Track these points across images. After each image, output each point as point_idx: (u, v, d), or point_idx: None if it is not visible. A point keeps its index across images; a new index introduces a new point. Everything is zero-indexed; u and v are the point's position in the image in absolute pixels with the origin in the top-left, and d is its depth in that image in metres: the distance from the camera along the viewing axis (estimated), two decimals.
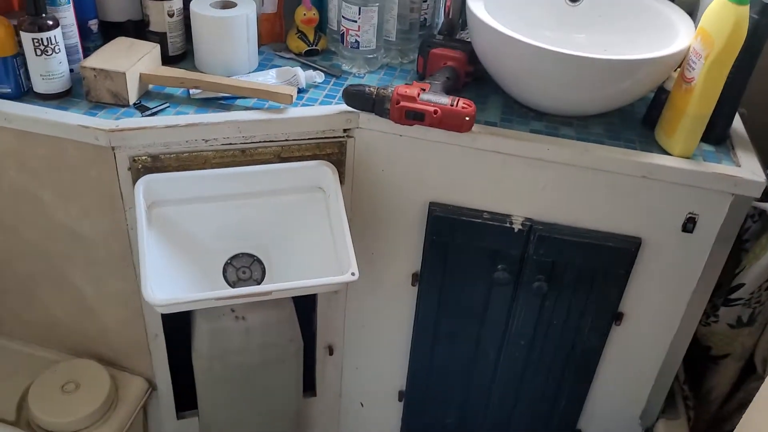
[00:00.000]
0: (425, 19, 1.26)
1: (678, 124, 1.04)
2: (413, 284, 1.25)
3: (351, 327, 1.35)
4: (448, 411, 1.40)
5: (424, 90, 1.06)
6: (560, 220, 1.12)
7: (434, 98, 1.04)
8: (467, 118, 1.03)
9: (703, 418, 1.38)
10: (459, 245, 1.17)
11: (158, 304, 0.97)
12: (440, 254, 1.19)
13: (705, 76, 0.98)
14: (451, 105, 1.03)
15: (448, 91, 1.09)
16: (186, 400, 1.37)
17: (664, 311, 1.18)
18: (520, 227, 1.13)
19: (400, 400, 1.42)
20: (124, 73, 1.05)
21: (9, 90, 1.05)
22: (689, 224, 1.08)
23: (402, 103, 1.04)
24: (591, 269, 1.14)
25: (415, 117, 1.04)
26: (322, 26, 1.26)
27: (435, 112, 1.03)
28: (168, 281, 1.04)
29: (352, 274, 1.02)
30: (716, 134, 1.08)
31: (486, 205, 1.14)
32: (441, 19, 1.30)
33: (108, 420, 1.24)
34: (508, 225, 1.13)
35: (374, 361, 1.39)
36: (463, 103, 1.03)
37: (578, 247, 1.12)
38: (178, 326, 1.27)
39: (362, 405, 1.47)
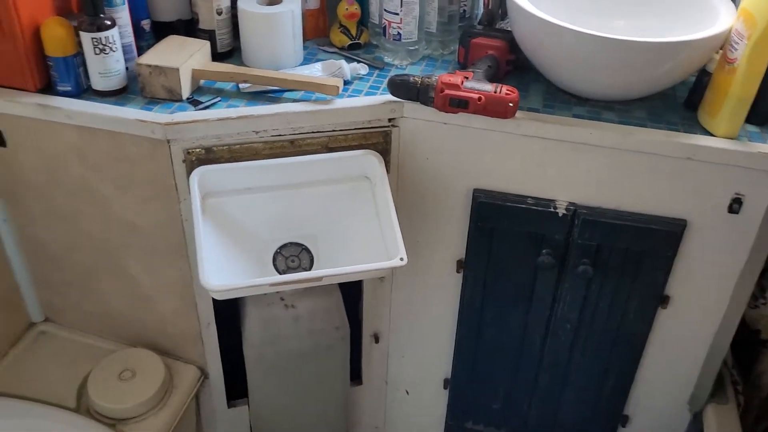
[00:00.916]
0: (464, 10, 1.29)
1: (721, 105, 1.04)
2: (458, 271, 1.27)
3: (396, 315, 1.37)
4: (493, 398, 1.41)
5: (467, 78, 1.08)
6: (604, 203, 1.13)
7: (478, 86, 1.06)
8: (511, 104, 1.05)
9: (753, 404, 1.37)
10: (503, 231, 1.18)
11: (215, 290, 1.00)
12: (485, 240, 1.20)
13: (748, 56, 0.99)
14: (495, 92, 1.05)
15: (490, 79, 1.11)
16: (236, 388, 1.41)
17: (711, 294, 1.18)
18: (564, 212, 1.14)
19: (445, 387, 1.44)
20: (178, 69, 1.09)
21: (70, 88, 1.10)
22: (735, 205, 1.08)
23: (446, 91, 1.06)
24: (636, 252, 1.15)
25: (459, 105, 1.06)
26: (363, 20, 1.30)
27: (479, 99, 1.05)
28: (222, 269, 1.08)
29: (401, 259, 1.05)
30: (761, 114, 1.08)
31: (530, 191, 1.15)
32: (480, 10, 1.32)
33: (163, 407, 1.28)
34: (552, 210, 1.14)
35: (419, 348, 1.41)
36: (507, 90, 1.05)
37: (623, 230, 1.13)
38: (229, 316, 1.31)
39: (408, 393, 1.49)
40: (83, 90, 1.12)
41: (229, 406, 1.44)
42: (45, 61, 1.09)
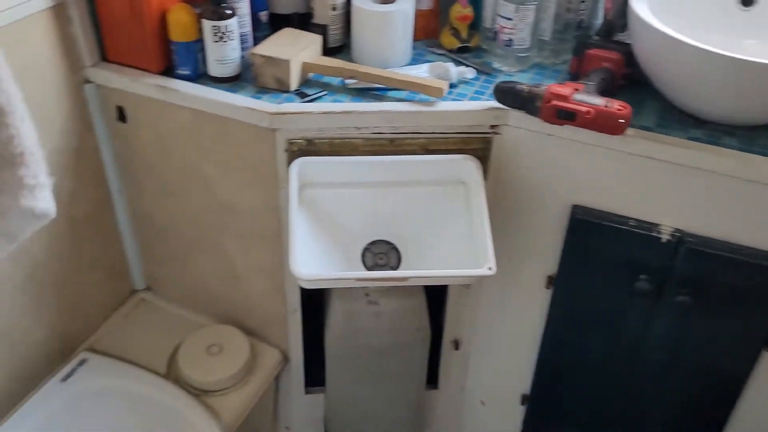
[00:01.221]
0: (581, 19, 1.24)
1: None
2: (547, 287, 1.23)
3: (479, 324, 1.35)
4: (572, 422, 1.37)
5: (577, 90, 1.04)
6: (714, 233, 1.06)
7: (588, 98, 1.03)
8: (621, 121, 1.00)
9: None
10: (600, 251, 1.14)
11: (304, 279, 1.03)
12: (579, 258, 1.16)
13: None
14: (605, 106, 1.01)
15: (602, 92, 1.07)
16: (315, 376, 1.44)
17: None
18: (669, 238, 1.08)
19: (522, 403, 1.41)
20: (289, 61, 1.12)
21: (188, 72, 1.15)
22: None
23: (554, 102, 1.03)
24: (744, 289, 1.07)
25: (566, 116, 1.03)
26: (475, 24, 1.28)
27: (587, 112, 1.01)
28: (312, 259, 1.10)
29: (489, 268, 1.03)
30: None
31: (633, 212, 1.10)
32: (598, 20, 1.27)
33: (244, 385, 1.33)
34: (655, 234, 1.09)
35: (500, 360, 1.39)
36: (618, 105, 1.01)
37: (732, 263, 1.06)
38: (315, 304, 1.34)
39: (483, 404, 1.47)
40: (200, 75, 1.17)
41: (306, 392, 1.47)
42: (168, 45, 1.14)
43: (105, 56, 1.19)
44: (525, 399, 1.40)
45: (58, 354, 1.32)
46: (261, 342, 1.41)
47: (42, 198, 0.52)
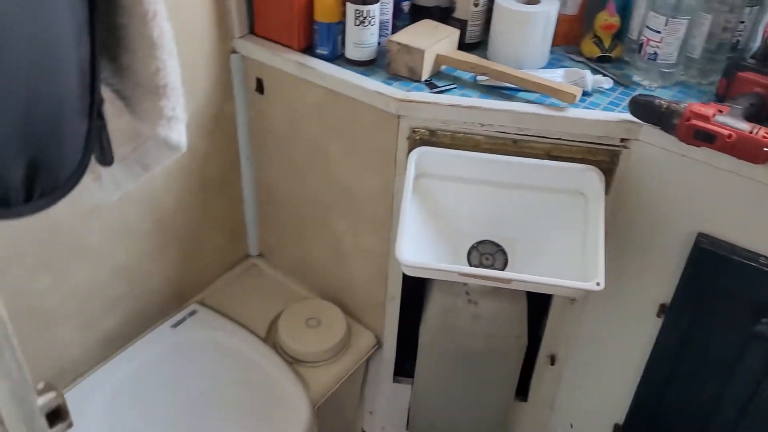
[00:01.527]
0: (738, 41, 1.17)
1: None
2: (658, 315, 1.17)
3: (580, 342, 1.31)
4: None
5: (721, 112, 0.98)
6: None
7: (731, 122, 0.96)
8: (766, 149, 0.93)
9: None
10: (721, 285, 1.07)
11: (407, 265, 1.04)
12: (697, 291, 1.10)
13: None
14: (750, 132, 0.95)
15: (749, 118, 1.00)
16: (404, 366, 1.45)
17: None
18: None
19: None
20: (423, 51, 1.13)
21: (326, 52, 1.20)
22: None
23: (693, 121, 0.98)
24: None
25: (705, 138, 0.97)
26: (620, 34, 1.24)
27: (729, 136, 0.95)
28: (417, 248, 1.11)
29: (597, 284, 0.99)
30: None
31: (765, 249, 1.02)
32: (757, 42, 1.19)
33: (336, 361, 1.36)
34: None
35: (595, 384, 1.33)
36: (765, 133, 0.94)
37: None
38: (414, 296, 1.35)
39: (572, 426, 1.42)
40: (336, 56, 1.21)
41: (395, 380, 1.49)
42: (311, 24, 1.19)
43: (253, 30, 1.26)
44: (617, 429, 1.33)
45: (172, 302, 1.42)
46: (357, 323, 1.44)
47: (177, 131, 0.57)
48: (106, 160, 0.56)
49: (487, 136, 1.12)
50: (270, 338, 1.40)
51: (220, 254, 1.50)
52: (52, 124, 0.47)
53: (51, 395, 0.34)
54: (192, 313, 1.39)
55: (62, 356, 1.24)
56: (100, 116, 0.53)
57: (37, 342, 1.16)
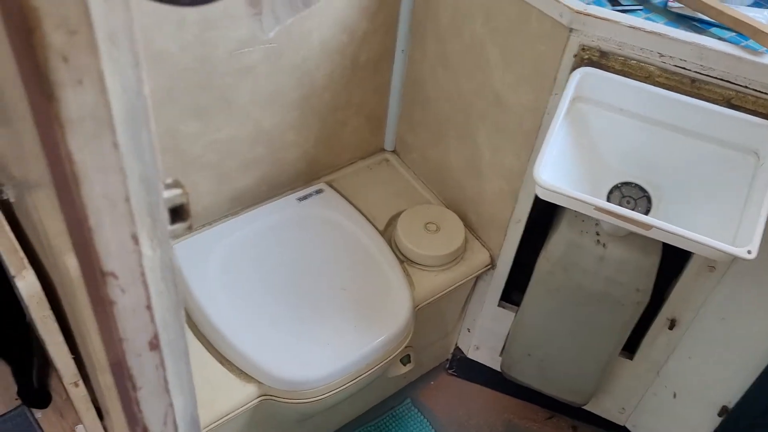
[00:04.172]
0: None
1: None
2: None
3: (708, 313, 1.21)
4: None
5: None
6: None
7: None
8: None
9: None
10: None
11: (544, 187, 0.98)
12: None
13: None
14: None
15: None
16: (512, 294, 1.42)
17: None
18: None
19: (720, 414, 1.26)
20: None
21: None
22: None
23: None
24: None
25: None
26: None
27: None
28: (556, 173, 1.05)
29: (749, 252, 0.90)
30: None
31: None
32: None
33: (447, 270, 1.36)
34: None
35: (714, 359, 1.24)
36: None
37: None
38: (536, 225, 1.29)
39: (675, 396, 1.34)
40: None
41: (499, 305, 1.46)
42: None
43: None
44: (724, 411, 1.25)
45: (302, 176, 1.46)
46: (476, 239, 1.42)
47: None
48: None
49: (663, 68, 1.02)
50: (387, 233, 1.41)
51: (356, 141, 1.51)
52: None
53: (177, 191, 0.35)
54: (319, 191, 1.43)
55: (195, 202, 1.32)
56: None
57: None
